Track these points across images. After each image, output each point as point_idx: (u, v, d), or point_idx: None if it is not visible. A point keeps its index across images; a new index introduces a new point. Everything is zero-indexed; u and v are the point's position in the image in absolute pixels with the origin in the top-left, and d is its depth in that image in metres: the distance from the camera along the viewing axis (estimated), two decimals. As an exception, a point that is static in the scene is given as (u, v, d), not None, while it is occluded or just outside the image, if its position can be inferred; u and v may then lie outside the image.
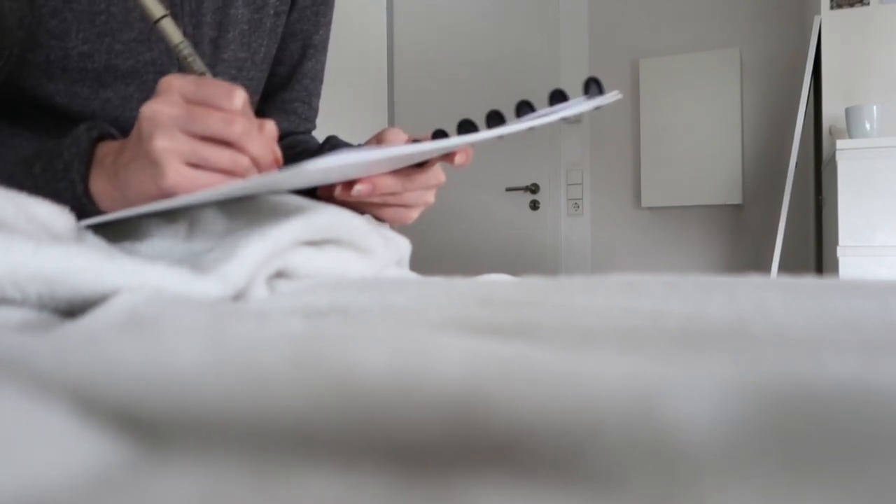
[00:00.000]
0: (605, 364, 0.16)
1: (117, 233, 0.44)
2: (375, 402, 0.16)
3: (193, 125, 0.42)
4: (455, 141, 0.45)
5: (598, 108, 0.52)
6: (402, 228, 2.95)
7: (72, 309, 0.31)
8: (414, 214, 0.58)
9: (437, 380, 0.16)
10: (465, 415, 0.15)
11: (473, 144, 0.50)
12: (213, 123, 0.42)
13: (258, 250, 0.36)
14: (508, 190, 3.23)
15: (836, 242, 2.00)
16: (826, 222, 2.36)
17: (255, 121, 0.46)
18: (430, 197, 0.57)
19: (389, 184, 0.52)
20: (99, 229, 0.43)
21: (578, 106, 0.49)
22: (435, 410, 0.15)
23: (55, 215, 0.38)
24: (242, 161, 0.44)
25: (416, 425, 0.15)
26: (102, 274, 0.31)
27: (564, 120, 0.54)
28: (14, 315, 0.30)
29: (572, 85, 3.16)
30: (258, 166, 0.45)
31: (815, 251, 2.64)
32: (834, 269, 2.04)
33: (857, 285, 0.30)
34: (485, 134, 0.46)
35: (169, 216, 0.44)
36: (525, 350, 0.18)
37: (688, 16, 2.96)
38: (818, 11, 2.39)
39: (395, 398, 0.15)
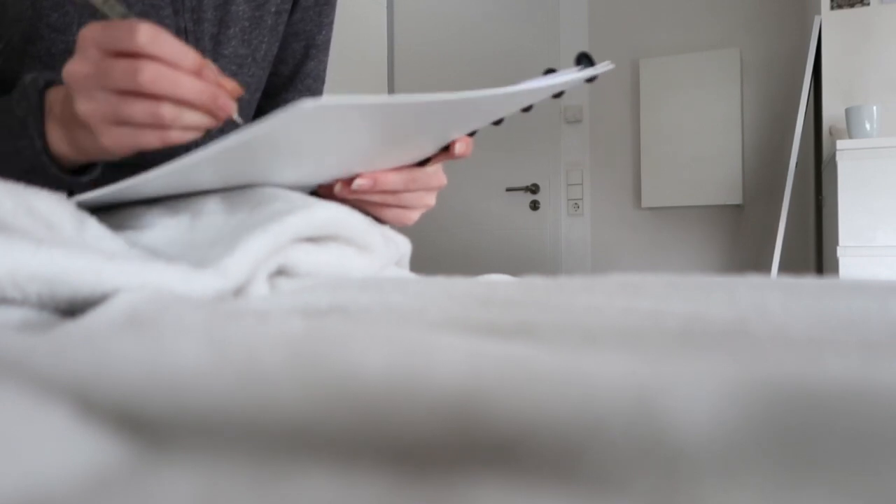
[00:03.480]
0: (605, 364, 0.16)
1: (120, 224, 0.44)
2: (375, 401, 0.16)
3: (106, 81, 0.40)
4: (478, 94, 0.42)
5: (593, 80, 0.51)
6: (402, 228, 2.95)
7: (72, 309, 0.31)
8: (414, 216, 0.58)
9: (438, 379, 0.16)
10: (466, 414, 0.15)
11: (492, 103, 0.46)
12: (119, 77, 0.39)
13: (259, 245, 0.36)
14: (508, 190, 3.23)
15: (836, 242, 2.00)
16: (826, 222, 2.36)
17: (181, 56, 0.40)
18: (430, 199, 0.57)
19: (390, 180, 0.52)
20: (100, 218, 0.43)
21: (572, 74, 0.48)
22: (435, 410, 0.15)
23: (55, 206, 0.38)
24: (162, 112, 0.40)
25: (417, 425, 0.15)
26: (102, 274, 0.31)
27: (556, 97, 0.52)
28: (14, 315, 0.30)
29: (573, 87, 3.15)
30: (200, 108, 0.41)
31: (815, 251, 2.64)
32: (834, 269, 2.04)
33: (857, 285, 0.30)
34: (495, 91, 0.43)
35: (172, 207, 0.44)
36: (525, 350, 0.18)
37: (688, 16, 2.96)
38: (818, 11, 2.39)
39: (396, 398, 0.15)
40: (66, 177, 0.47)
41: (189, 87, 0.40)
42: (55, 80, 0.47)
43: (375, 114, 0.39)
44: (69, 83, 0.41)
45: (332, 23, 0.77)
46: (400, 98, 0.38)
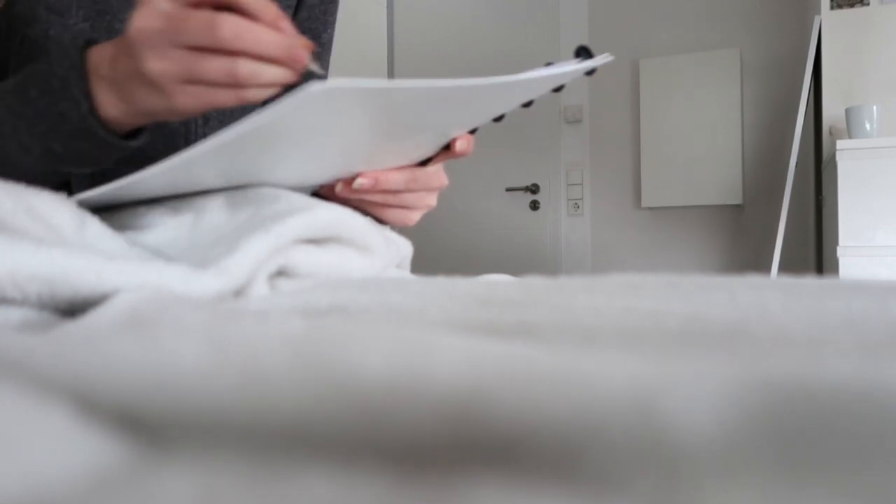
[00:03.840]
0: (605, 364, 0.16)
1: (121, 224, 0.44)
2: (376, 401, 0.16)
3: (181, 37, 0.37)
4: (492, 80, 0.41)
5: (592, 73, 0.51)
6: (402, 228, 2.95)
7: (72, 309, 0.31)
8: (415, 217, 0.57)
9: (438, 380, 0.16)
10: (466, 415, 0.15)
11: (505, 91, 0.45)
12: (196, 32, 0.37)
13: (260, 245, 0.36)
14: (508, 190, 3.23)
15: (836, 242, 2.00)
16: (826, 222, 2.37)
17: (261, 7, 0.38)
18: (432, 200, 0.56)
19: (391, 180, 0.52)
20: (102, 218, 0.43)
21: (572, 66, 0.48)
22: (435, 410, 0.15)
23: (55, 206, 0.38)
24: (239, 69, 0.38)
25: (417, 425, 0.15)
26: (102, 274, 0.31)
27: (556, 90, 0.52)
28: (14, 315, 0.30)
29: (573, 87, 3.15)
30: (277, 62, 0.39)
31: (815, 251, 2.64)
32: (834, 269, 2.04)
33: (857, 285, 0.30)
34: (498, 78, 0.42)
35: (174, 207, 0.44)
36: (525, 350, 0.18)
37: (688, 16, 2.96)
38: (818, 11, 2.39)
39: (396, 398, 0.15)
40: (117, 140, 0.44)
41: (269, 41, 0.38)
42: (96, 39, 0.45)
43: (381, 98, 0.38)
44: (136, 39, 0.38)
45: (335, 21, 0.77)
46: (406, 82, 0.37)
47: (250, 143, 0.38)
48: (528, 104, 0.51)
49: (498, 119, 0.52)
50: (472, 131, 0.53)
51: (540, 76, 0.45)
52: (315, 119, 0.37)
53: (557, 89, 0.51)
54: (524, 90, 0.47)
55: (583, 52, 0.51)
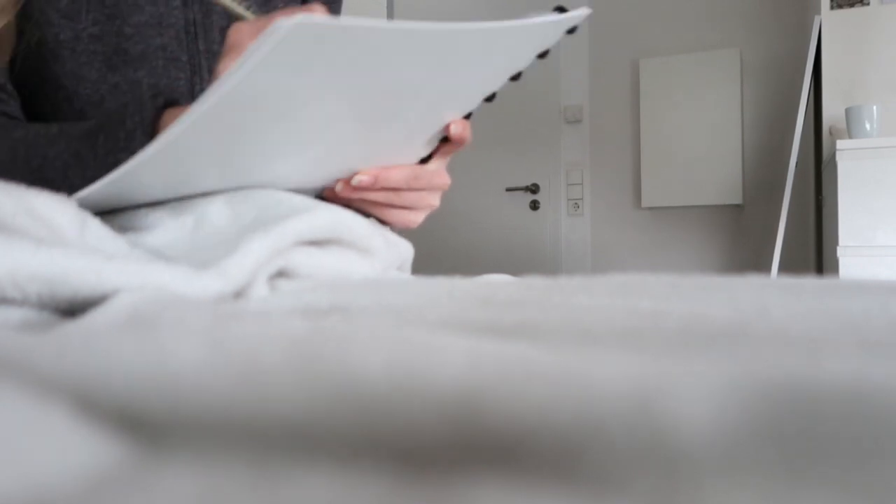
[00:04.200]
0: (605, 364, 0.16)
1: (122, 225, 0.44)
2: (375, 402, 0.16)
3: None
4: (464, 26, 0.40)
5: (573, 32, 0.50)
6: (402, 229, 2.95)
7: (72, 309, 0.31)
8: (418, 218, 0.57)
9: (438, 380, 0.16)
10: (466, 415, 0.15)
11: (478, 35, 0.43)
12: None
13: (260, 247, 0.36)
14: (508, 190, 3.23)
15: (836, 242, 2.00)
16: (826, 222, 2.37)
17: None
18: (434, 200, 0.56)
19: (392, 177, 0.51)
20: (103, 220, 0.43)
21: (551, 17, 0.47)
22: (435, 411, 0.15)
23: (55, 207, 0.38)
24: None
25: (416, 425, 0.15)
26: (103, 274, 0.31)
27: (542, 56, 0.51)
28: (14, 315, 0.30)
29: (573, 87, 3.16)
30: None
31: (815, 251, 2.64)
32: (834, 269, 2.04)
33: (857, 285, 0.30)
34: (482, 24, 0.41)
35: (175, 209, 0.44)
36: (525, 350, 0.18)
37: (688, 16, 2.96)
38: (818, 11, 2.39)
39: (395, 398, 0.15)
40: None
41: None
42: (177, 100, 0.46)
43: (356, 40, 0.36)
44: None
45: None
46: (378, 22, 0.35)
47: (237, 106, 0.37)
48: (516, 77, 0.51)
49: (489, 99, 0.51)
50: (467, 117, 0.52)
51: (520, 24, 0.44)
52: (294, 69, 0.36)
53: (543, 55, 0.50)
54: (507, 44, 0.46)
55: (559, 11, 0.50)
